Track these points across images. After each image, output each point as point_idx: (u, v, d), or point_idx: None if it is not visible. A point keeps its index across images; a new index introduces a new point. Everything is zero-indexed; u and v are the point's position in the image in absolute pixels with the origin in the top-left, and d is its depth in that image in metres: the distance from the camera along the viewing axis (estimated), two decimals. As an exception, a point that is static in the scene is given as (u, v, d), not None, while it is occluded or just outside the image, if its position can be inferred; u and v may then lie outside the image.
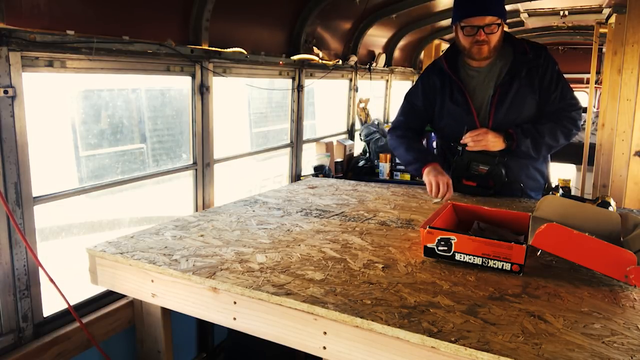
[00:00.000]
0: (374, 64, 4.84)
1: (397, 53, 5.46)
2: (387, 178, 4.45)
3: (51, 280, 1.72)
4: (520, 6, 5.05)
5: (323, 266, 1.55)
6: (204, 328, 2.64)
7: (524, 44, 2.34)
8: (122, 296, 2.10)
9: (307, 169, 3.94)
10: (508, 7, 5.18)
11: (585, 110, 2.52)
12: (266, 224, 2.02)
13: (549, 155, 2.56)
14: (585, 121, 2.32)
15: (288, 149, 3.70)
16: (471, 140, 2.31)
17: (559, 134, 2.32)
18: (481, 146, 2.32)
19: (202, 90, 2.59)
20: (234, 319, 1.45)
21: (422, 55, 6.31)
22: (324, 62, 3.75)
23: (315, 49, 3.66)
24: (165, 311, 1.84)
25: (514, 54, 2.34)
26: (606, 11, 4.72)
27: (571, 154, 7.30)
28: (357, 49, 4.38)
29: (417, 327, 1.17)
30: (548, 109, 2.35)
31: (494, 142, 2.30)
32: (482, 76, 2.40)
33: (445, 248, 1.56)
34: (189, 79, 2.55)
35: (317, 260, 1.61)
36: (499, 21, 2.22)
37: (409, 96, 2.68)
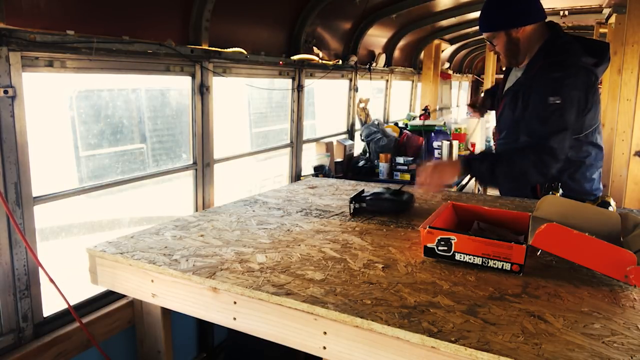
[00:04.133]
0: (374, 64, 4.84)
1: (397, 53, 5.46)
2: (387, 178, 4.45)
3: (51, 280, 1.72)
4: (520, 6, 5.04)
5: (323, 266, 1.55)
6: (204, 328, 2.64)
7: (543, 62, 2.10)
8: (122, 296, 2.10)
9: (307, 169, 3.94)
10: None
11: (556, 155, 2.00)
12: (266, 224, 2.02)
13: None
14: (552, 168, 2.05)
15: (288, 149, 3.70)
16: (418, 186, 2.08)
17: (513, 166, 2.05)
18: (428, 187, 2.08)
19: (202, 90, 2.59)
20: (234, 319, 1.45)
21: (422, 55, 6.31)
22: (324, 62, 3.75)
23: (315, 49, 3.66)
24: (165, 311, 1.84)
25: (533, 64, 2.16)
26: (606, 11, 4.72)
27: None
28: (357, 49, 4.38)
29: (417, 327, 1.17)
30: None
31: (443, 178, 2.06)
32: (512, 76, 2.36)
33: (445, 248, 1.56)
34: (189, 79, 2.55)
35: (317, 260, 1.61)
36: (494, 35, 2.19)
37: None
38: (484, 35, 2.28)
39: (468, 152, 5.09)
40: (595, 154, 2.22)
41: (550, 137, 1.99)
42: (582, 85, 2.04)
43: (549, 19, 2.20)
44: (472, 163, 2.09)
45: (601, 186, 2.30)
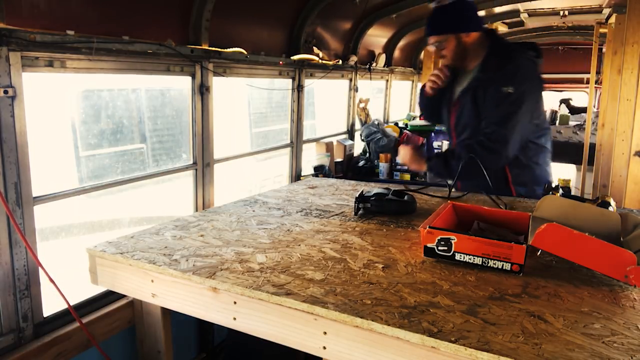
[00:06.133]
0: (374, 64, 4.84)
1: (397, 53, 5.46)
2: (387, 178, 4.45)
3: (51, 280, 1.72)
4: (520, 6, 5.05)
5: (323, 266, 1.55)
6: (204, 328, 2.64)
7: (494, 60, 2.34)
8: (122, 296, 2.10)
9: (307, 169, 3.94)
10: (508, 7, 5.19)
11: (548, 126, 2.41)
12: (266, 224, 2.02)
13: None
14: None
15: (288, 149, 3.70)
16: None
17: (464, 154, 2.27)
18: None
19: (202, 90, 2.59)
20: (234, 319, 1.45)
21: (422, 55, 6.31)
22: (324, 62, 3.75)
23: (315, 49, 3.66)
24: (165, 311, 1.84)
25: (481, 69, 2.39)
26: (606, 11, 4.73)
27: (571, 154, 7.33)
28: (357, 49, 4.38)
29: (417, 327, 1.17)
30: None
31: (413, 164, 2.51)
32: (460, 81, 2.52)
33: (445, 248, 1.56)
34: (189, 79, 2.55)
35: (317, 260, 1.61)
36: (445, 38, 2.37)
37: None
38: (432, 40, 2.42)
39: None
40: (544, 157, 2.49)
41: (502, 122, 2.26)
42: (533, 74, 2.35)
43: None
44: (430, 158, 2.45)
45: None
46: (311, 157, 4.17)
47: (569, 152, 7.47)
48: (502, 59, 2.32)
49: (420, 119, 5.58)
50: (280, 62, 3.26)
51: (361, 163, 4.70)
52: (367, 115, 4.87)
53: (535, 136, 2.41)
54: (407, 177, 4.40)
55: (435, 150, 4.71)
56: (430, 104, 2.68)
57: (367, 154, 4.80)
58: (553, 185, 2.29)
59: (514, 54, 2.35)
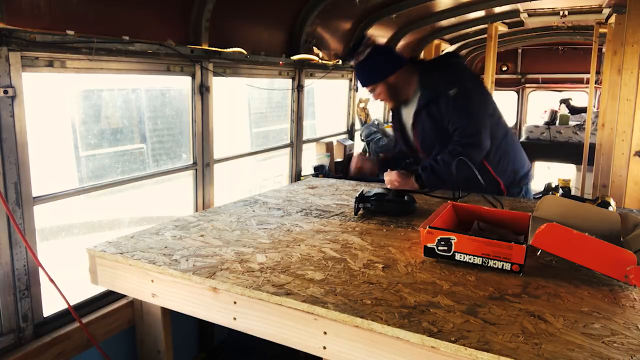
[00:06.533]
0: (374, 64, 4.82)
1: (397, 53, 5.45)
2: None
3: (51, 280, 1.72)
4: (520, 6, 5.05)
5: (323, 266, 1.55)
6: (205, 327, 2.64)
7: (428, 75, 2.56)
8: (122, 296, 2.10)
9: (307, 169, 3.94)
10: (508, 7, 5.19)
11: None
12: (266, 224, 2.02)
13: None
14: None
15: (288, 149, 3.70)
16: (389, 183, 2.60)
17: (449, 159, 2.41)
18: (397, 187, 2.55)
19: (202, 90, 2.59)
20: (234, 319, 1.45)
21: (422, 55, 6.30)
22: (324, 62, 3.75)
23: (315, 49, 3.65)
24: (165, 311, 1.84)
25: (422, 88, 2.57)
26: (606, 11, 4.73)
27: (571, 154, 7.33)
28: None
29: (417, 327, 1.17)
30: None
31: (406, 185, 2.55)
32: (408, 107, 2.69)
33: (445, 248, 1.56)
34: (189, 79, 2.55)
35: (317, 260, 1.61)
36: (375, 86, 2.59)
37: None
38: (367, 89, 2.66)
39: None
40: (513, 143, 2.66)
41: (465, 118, 2.43)
42: (468, 72, 2.62)
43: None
44: (419, 176, 2.53)
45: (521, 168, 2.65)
46: (311, 157, 4.17)
47: (569, 152, 7.48)
48: (434, 71, 2.57)
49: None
50: (280, 62, 3.26)
51: (361, 163, 4.69)
52: (367, 115, 4.86)
53: (500, 132, 2.58)
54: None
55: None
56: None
57: (367, 154, 4.80)
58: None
59: (441, 63, 2.66)
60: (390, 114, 2.83)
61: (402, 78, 2.59)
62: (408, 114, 2.66)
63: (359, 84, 2.70)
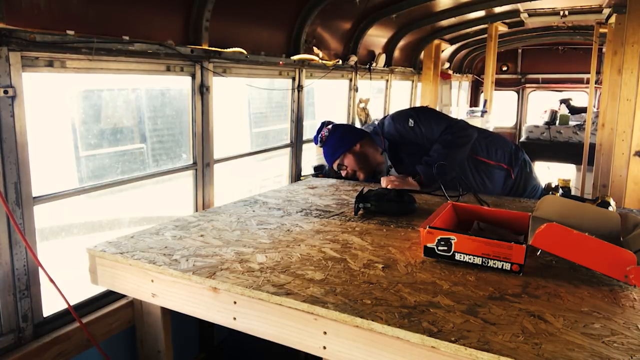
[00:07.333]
0: (374, 64, 4.83)
1: (397, 53, 5.45)
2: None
3: (51, 280, 1.72)
4: (520, 6, 5.06)
5: (323, 266, 1.55)
6: (204, 328, 2.64)
7: (385, 132, 2.84)
8: (122, 296, 2.10)
9: (307, 169, 3.94)
10: (508, 7, 5.19)
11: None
12: (266, 224, 2.02)
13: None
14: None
15: (288, 149, 3.70)
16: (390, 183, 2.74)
17: (441, 148, 2.61)
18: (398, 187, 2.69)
19: (202, 90, 2.59)
20: (234, 318, 1.45)
21: (422, 55, 6.31)
22: (324, 62, 3.75)
23: (315, 49, 3.65)
24: (165, 311, 1.84)
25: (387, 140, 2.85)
26: (606, 11, 4.73)
27: (571, 154, 7.33)
28: (357, 49, 4.37)
29: (417, 327, 1.17)
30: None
31: (405, 184, 2.70)
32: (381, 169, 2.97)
33: (445, 248, 1.56)
34: (189, 79, 2.55)
35: (317, 260, 1.61)
36: (344, 157, 2.86)
37: None
38: (335, 165, 2.92)
39: None
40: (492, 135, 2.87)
41: (438, 124, 2.67)
42: (416, 107, 3.16)
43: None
44: (416, 174, 2.66)
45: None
46: (311, 157, 4.17)
47: (569, 152, 7.48)
48: (386, 125, 2.84)
49: None
50: (280, 62, 3.26)
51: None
52: (367, 115, 4.86)
53: (476, 128, 2.80)
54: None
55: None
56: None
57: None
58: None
59: (384, 118, 2.97)
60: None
61: (367, 145, 2.87)
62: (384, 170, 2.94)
63: (329, 163, 2.97)
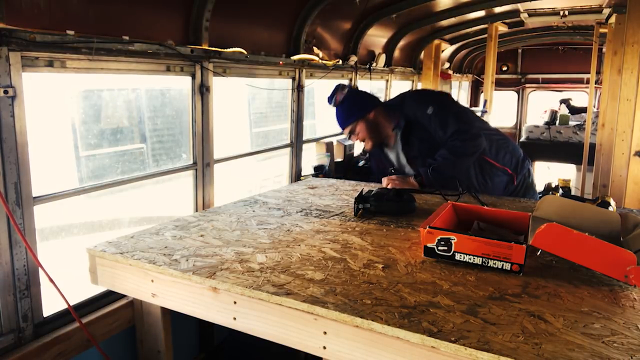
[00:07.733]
0: (374, 64, 4.83)
1: (397, 53, 5.45)
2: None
3: (51, 280, 1.72)
4: (520, 6, 5.05)
5: (323, 266, 1.55)
6: (204, 328, 2.64)
7: (402, 109, 2.80)
8: (122, 296, 2.10)
9: (307, 169, 3.94)
10: (508, 7, 5.19)
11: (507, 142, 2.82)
12: (266, 224, 2.02)
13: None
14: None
15: (288, 149, 3.70)
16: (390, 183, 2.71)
17: (448, 154, 2.59)
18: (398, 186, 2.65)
19: (202, 90, 2.59)
20: (234, 318, 1.45)
21: (422, 55, 6.31)
22: (324, 62, 3.75)
23: (315, 49, 3.65)
24: (165, 311, 1.84)
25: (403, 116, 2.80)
26: (606, 11, 4.73)
27: (571, 154, 7.33)
28: (357, 49, 4.37)
29: (417, 327, 1.17)
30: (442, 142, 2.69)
31: (405, 184, 2.67)
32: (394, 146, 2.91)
33: (445, 248, 1.56)
34: (189, 79, 2.54)
35: (317, 260, 1.61)
36: (356, 124, 2.78)
37: None
38: (346, 131, 2.85)
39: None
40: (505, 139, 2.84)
41: (454, 123, 2.60)
42: (432, 92, 2.98)
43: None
44: (418, 174, 2.64)
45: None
46: (311, 157, 4.16)
47: (569, 152, 7.47)
48: (406, 103, 2.80)
49: None
50: (280, 62, 3.26)
51: (361, 163, 4.69)
52: (367, 115, 4.85)
53: (491, 129, 2.84)
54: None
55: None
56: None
57: (367, 154, 4.80)
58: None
59: (398, 99, 2.91)
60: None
61: (381, 116, 2.81)
62: (394, 149, 2.89)
63: (341, 126, 2.88)
